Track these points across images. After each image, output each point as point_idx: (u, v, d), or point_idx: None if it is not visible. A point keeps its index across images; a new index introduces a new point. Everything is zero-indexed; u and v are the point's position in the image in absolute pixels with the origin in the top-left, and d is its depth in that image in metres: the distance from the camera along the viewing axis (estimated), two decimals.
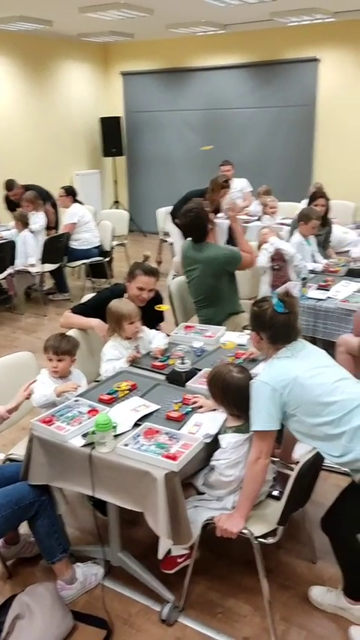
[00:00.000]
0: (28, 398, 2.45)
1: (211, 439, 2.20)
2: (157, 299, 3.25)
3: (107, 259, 6.45)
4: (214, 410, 2.30)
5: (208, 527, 2.17)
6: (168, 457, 2.03)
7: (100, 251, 6.36)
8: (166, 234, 6.66)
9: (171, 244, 6.26)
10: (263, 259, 4.10)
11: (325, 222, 4.77)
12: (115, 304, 2.85)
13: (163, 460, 2.02)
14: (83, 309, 3.11)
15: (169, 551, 2.21)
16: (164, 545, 2.07)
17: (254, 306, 2.21)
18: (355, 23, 7.03)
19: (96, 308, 2.99)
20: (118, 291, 3.12)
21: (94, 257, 6.29)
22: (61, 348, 2.54)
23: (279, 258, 4.12)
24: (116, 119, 9.03)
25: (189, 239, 3.63)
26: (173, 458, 2.02)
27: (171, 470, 2.00)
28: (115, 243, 6.65)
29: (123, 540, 2.41)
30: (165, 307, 3.30)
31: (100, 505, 2.49)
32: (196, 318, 3.73)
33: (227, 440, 2.17)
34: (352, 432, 1.95)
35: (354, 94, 7.37)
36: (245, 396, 2.10)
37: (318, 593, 2.29)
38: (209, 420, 2.27)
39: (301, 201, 5.96)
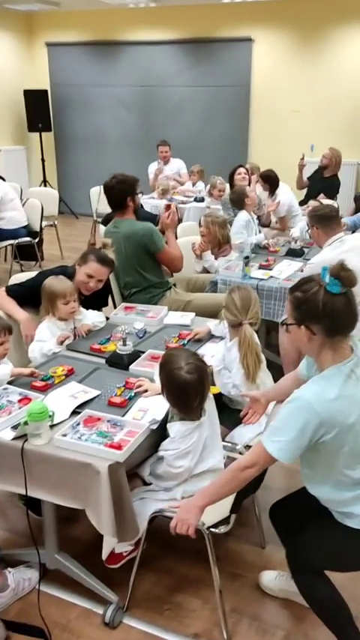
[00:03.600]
0: None
1: (158, 425, 2.04)
2: (106, 291, 3.07)
3: (37, 240, 6.09)
4: (160, 394, 2.14)
5: (156, 519, 2.02)
6: (112, 446, 1.87)
7: (29, 232, 5.99)
8: (100, 215, 6.39)
9: None
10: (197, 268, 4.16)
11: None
12: (49, 282, 2.66)
13: (106, 450, 1.86)
14: (19, 291, 2.84)
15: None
16: (108, 544, 1.91)
17: (296, 292, 1.65)
18: (288, 3, 7.02)
19: (34, 289, 2.73)
20: (62, 274, 2.84)
21: (22, 237, 5.92)
22: (8, 325, 2.39)
23: None
24: (42, 92, 8.55)
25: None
26: (117, 447, 1.87)
27: (115, 460, 1.84)
28: (44, 223, 6.30)
29: (60, 540, 2.22)
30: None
31: (33, 504, 2.26)
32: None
33: (176, 428, 2.01)
34: None
35: (287, 75, 7.39)
36: (186, 400, 1.96)
37: (269, 579, 2.22)
38: (155, 405, 2.12)
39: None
